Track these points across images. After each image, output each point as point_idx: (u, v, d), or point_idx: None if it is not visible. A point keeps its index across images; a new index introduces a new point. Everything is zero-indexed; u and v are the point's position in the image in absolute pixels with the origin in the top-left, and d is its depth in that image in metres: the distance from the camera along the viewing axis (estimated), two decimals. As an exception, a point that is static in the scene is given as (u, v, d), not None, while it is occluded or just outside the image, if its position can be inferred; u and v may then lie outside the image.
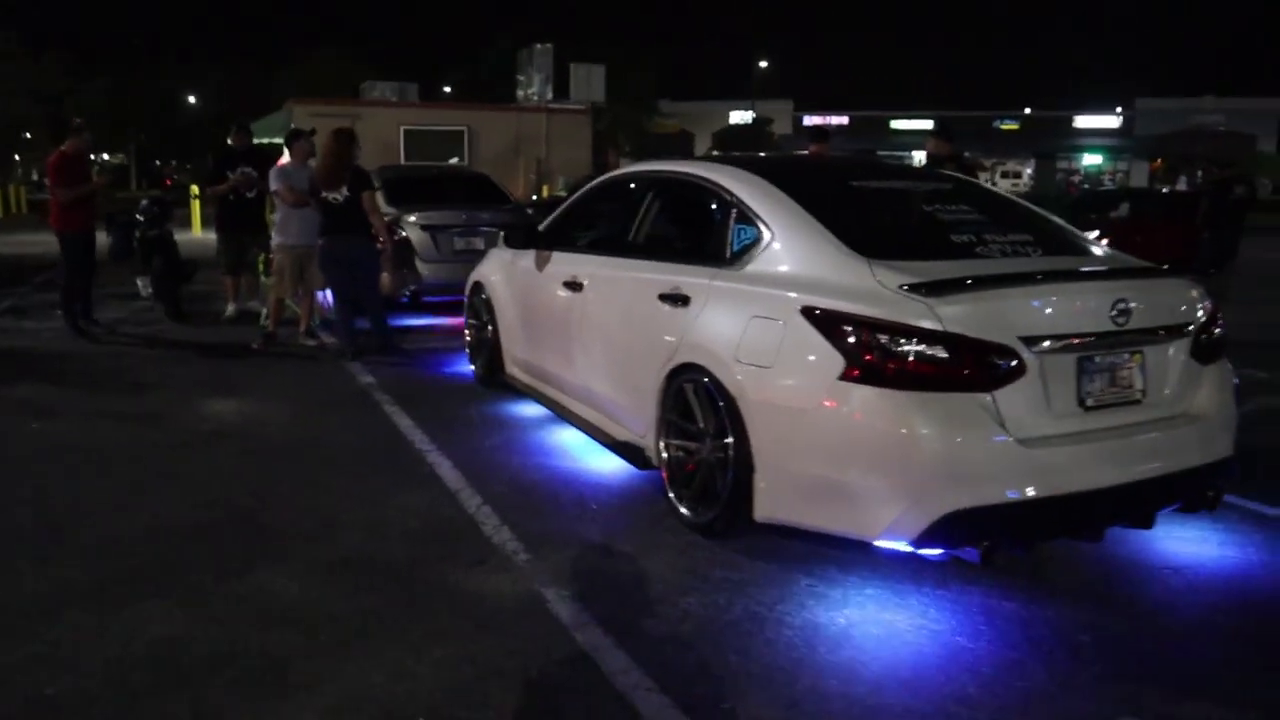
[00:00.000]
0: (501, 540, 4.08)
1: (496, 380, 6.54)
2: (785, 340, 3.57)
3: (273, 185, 8.40)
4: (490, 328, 6.54)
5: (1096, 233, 17.25)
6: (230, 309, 9.86)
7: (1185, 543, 4.15)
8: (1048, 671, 3.07)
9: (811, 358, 3.46)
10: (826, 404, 3.41)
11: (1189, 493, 3.76)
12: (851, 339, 3.35)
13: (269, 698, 2.88)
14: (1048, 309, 3.44)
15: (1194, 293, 3.89)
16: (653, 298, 4.39)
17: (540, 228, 5.97)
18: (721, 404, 3.82)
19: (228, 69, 56.51)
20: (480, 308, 6.72)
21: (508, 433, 5.72)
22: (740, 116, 60.65)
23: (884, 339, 3.29)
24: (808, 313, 3.50)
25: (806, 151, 9.56)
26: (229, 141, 10.14)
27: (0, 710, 2.80)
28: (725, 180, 4.35)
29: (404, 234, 9.53)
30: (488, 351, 6.61)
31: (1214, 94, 59.41)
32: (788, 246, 3.86)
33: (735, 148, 55.24)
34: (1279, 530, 4.34)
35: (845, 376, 3.35)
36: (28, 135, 50.02)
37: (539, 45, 24.64)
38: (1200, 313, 3.83)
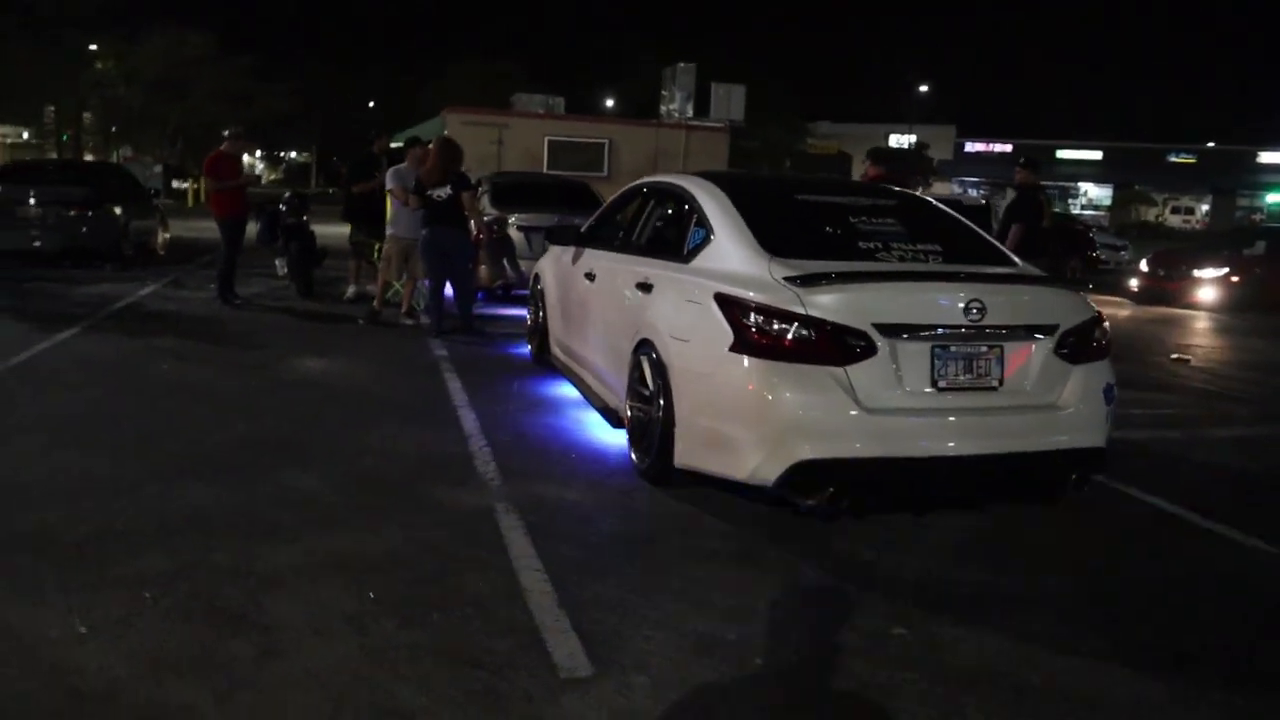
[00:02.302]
0: (485, 471, 5.06)
1: (543, 359, 7.54)
2: (701, 319, 4.41)
3: (389, 184, 9.71)
4: (541, 313, 7.55)
5: (1226, 269, 17.08)
6: (350, 290, 11.24)
7: (1075, 525, 4.74)
8: (861, 596, 3.79)
9: (714, 333, 4.28)
10: (718, 370, 4.23)
11: (1046, 474, 4.39)
12: (739, 318, 4.17)
13: (261, 543, 3.96)
14: (903, 302, 4.16)
15: (1069, 300, 4.50)
16: (633, 285, 5.29)
17: (582, 229, 6.92)
18: (659, 372, 4.68)
19: (399, 76, 60.15)
20: (537, 296, 7.74)
21: (534, 399, 6.72)
22: (900, 140, 60.30)
23: (760, 319, 4.09)
24: (717, 297, 4.33)
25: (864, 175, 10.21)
26: (373, 148, 11.52)
27: (84, 531, 3.98)
28: (694, 190, 5.21)
29: (503, 233, 10.67)
30: (540, 334, 7.62)
31: None
32: (721, 246, 4.70)
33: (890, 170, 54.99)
34: (1170, 528, 4.86)
35: (733, 348, 4.17)
36: (225, 134, 54.56)
37: (681, 64, 25.66)
38: (1073, 318, 4.43)
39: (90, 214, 12.92)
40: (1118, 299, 18.00)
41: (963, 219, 5.33)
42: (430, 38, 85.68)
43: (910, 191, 5.74)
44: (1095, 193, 62.04)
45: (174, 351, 7.88)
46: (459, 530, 4.22)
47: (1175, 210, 59.36)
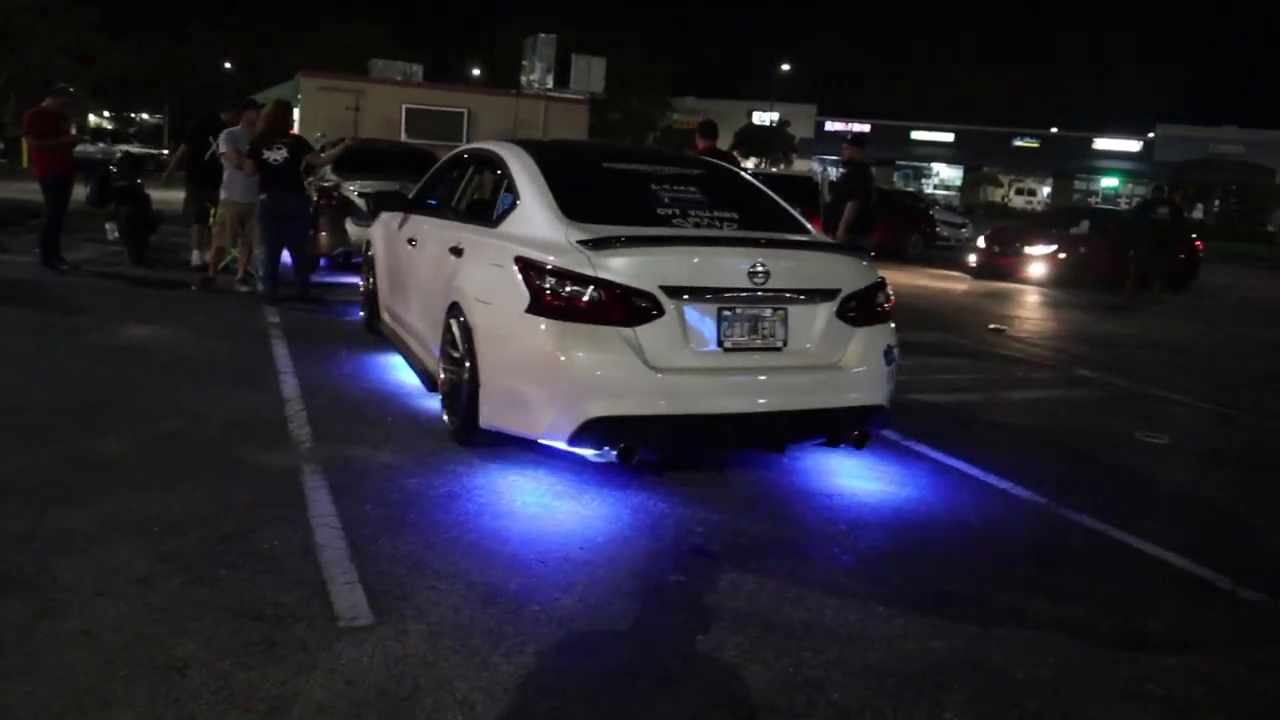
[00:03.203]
0: (298, 433, 5.09)
1: (374, 326, 7.54)
2: (503, 282, 4.53)
3: (221, 147, 9.46)
4: (372, 280, 7.55)
5: (1055, 247, 18.11)
6: (195, 256, 10.89)
7: (859, 479, 5.07)
8: (648, 547, 4.00)
9: (513, 295, 4.41)
10: (516, 331, 4.38)
11: (829, 430, 4.69)
12: (535, 280, 4.31)
13: (55, 507, 3.91)
14: (690, 266, 4.37)
15: (853, 267, 4.79)
16: (447, 250, 5.37)
17: (410, 195, 6.94)
18: (467, 335, 4.79)
19: (254, 34, 57.89)
20: (369, 264, 7.73)
21: (358, 365, 6.74)
22: (762, 117, 61.38)
23: (552, 281, 4.25)
24: (517, 260, 4.46)
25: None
26: (221, 116, 11.02)
27: None
28: (505, 156, 5.32)
29: (343, 199, 10.54)
30: (371, 301, 7.62)
31: (1236, 124, 59.50)
32: (526, 211, 4.84)
33: (756, 146, 56.18)
34: (948, 478, 5.24)
35: (529, 310, 4.31)
36: (71, 90, 51.34)
37: (542, 35, 25.56)
38: (855, 283, 4.72)
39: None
40: (956, 274, 18.95)
41: (764, 188, 5.58)
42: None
43: (719, 163, 5.97)
44: (947, 173, 64.63)
45: (-16, 317, 7.56)
46: (262, 491, 4.25)
47: (1019, 192, 62.47)
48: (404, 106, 21.70)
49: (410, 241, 6.23)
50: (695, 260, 4.40)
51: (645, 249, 4.31)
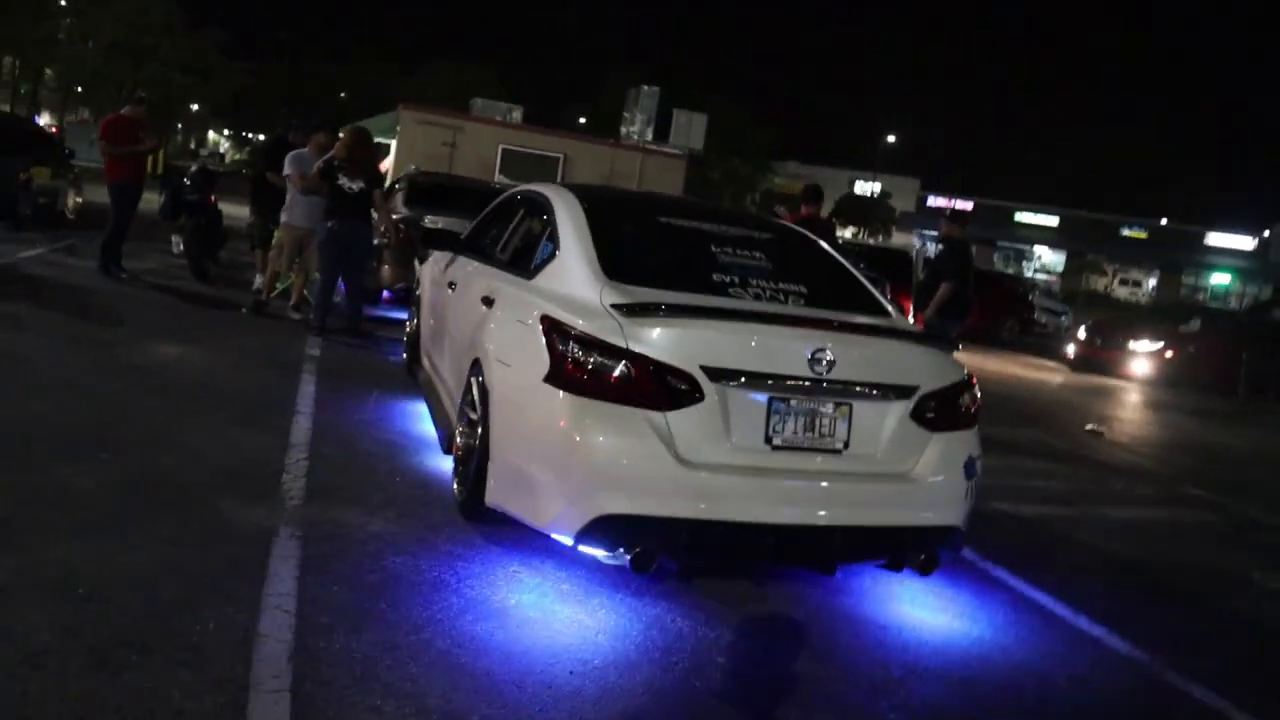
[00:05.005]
0: (291, 487, 4.54)
1: (414, 370, 7.03)
2: (526, 343, 3.92)
3: (286, 169, 9.13)
4: (416, 320, 7.05)
5: (1162, 343, 17.05)
6: (258, 279, 10.56)
7: (923, 608, 4.30)
8: (653, 679, 3.29)
9: (534, 359, 3.79)
10: (531, 401, 3.76)
11: (891, 551, 3.94)
12: (557, 345, 3.69)
13: (-23, 556, 3.39)
14: (740, 345, 3.68)
15: (935, 360, 4.06)
16: (478, 299, 4.81)
17: (463, 235, 6.44)
18: (484, 397, 4.19)
19: (369, 66, 59.54)
20: (416, 303, 7.24)
21: (384, 412, 6.20)
22: (864, 187, 60.66)
23: (577, 348, 3.62)
24: (543, 319, 3.85)
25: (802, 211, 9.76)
26: (289, 137, 10.79)
27: None
28: (553, 200, 4.75)
29: (412, 233, 10.13)
30: (414, 343, 7.12)
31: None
32: (563, 263, 4.24)
33: (855, 216, 55.52)
34: (1030, 616, 4.44)
35: (547, 379, 3.69)
36: (194, 107, 53.46)
37: (645, 87, 25.36)
38: (937, 380, 3.99)
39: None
40: (1053, 364, 17.91)
41: (842, 260, 4.92)
42: (411, 36, 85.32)
43: (795, 228, 5.33)
44: (1049, 257, 62.85)
45: (19, 320, 7.26)
46: (224, 556, 3.69)
47: (1123, 282, 60.40)
48: (500, 147, 21.48)
49: (450, 285, 5.71)
50: (748, 339, 3.72)
51: (689, 320, 3.66)
